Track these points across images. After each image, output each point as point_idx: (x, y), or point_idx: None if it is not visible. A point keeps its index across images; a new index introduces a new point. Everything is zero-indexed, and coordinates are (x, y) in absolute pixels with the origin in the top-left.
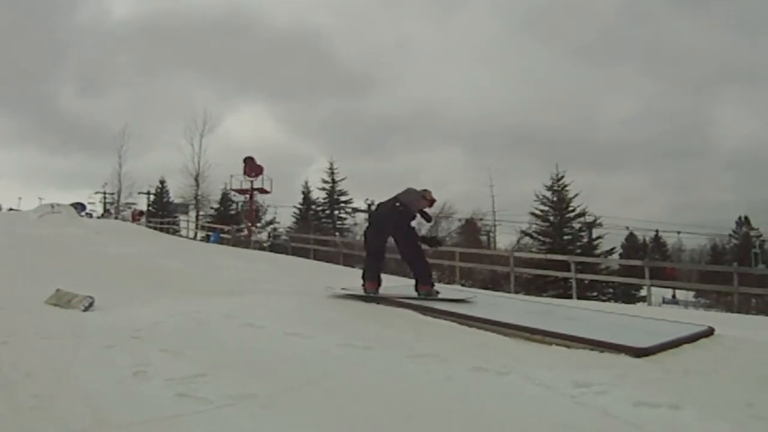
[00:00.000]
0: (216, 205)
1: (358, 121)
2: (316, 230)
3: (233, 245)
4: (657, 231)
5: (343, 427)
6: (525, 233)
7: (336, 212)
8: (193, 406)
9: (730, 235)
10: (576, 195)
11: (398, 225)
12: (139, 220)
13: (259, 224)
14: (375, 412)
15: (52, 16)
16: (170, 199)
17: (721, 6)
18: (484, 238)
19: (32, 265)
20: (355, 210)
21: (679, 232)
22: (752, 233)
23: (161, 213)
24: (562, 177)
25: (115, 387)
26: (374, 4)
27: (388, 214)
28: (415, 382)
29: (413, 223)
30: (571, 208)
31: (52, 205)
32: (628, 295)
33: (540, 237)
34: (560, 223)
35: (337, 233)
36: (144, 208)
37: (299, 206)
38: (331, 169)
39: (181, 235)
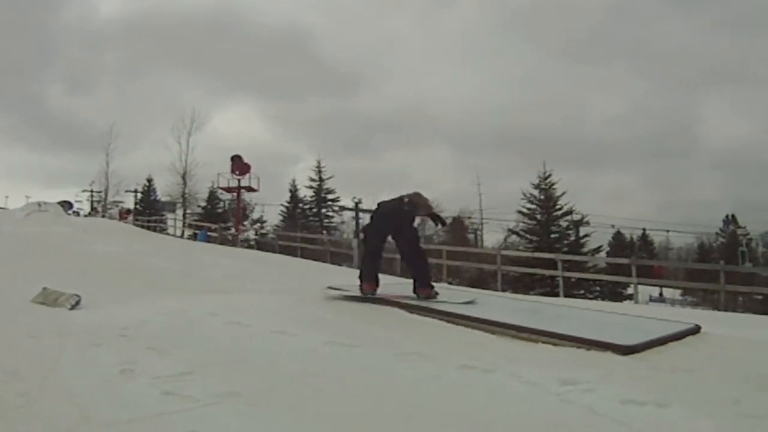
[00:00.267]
0: (203, 204)
1: (345, 119)
2: (303, 228)
3: (220, 243)
4: (644, 229)
5: (329, 425)
6: (512, 231)
7: (323, 210)
8: (180, 404)
9: (717, 234)
10: (563, 193)
11: (402, 223)
12: (126, 218)
13: (246, 222)
14: (362, 410)
15: (39, 14)
16: (157, 198)
17: (709, 6)
18: (471, 236)
19: (19, 263)
20: (343, 208)
21: (668, 231)
22: (739, 232)
23: (148, 211)
24: (550, 175)
25: (102, 385)
26: (363, 4)
27: (395, 209)
28: (403, 380)
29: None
30: (558, 207)
31: (39, 204)
32: (615, 293)
33: (527, 235)
34: (547, 222)
35: (324, 231)
36: (131, 206)
37: (286, 204)
38: (318, 167)
39: (168, 234)
